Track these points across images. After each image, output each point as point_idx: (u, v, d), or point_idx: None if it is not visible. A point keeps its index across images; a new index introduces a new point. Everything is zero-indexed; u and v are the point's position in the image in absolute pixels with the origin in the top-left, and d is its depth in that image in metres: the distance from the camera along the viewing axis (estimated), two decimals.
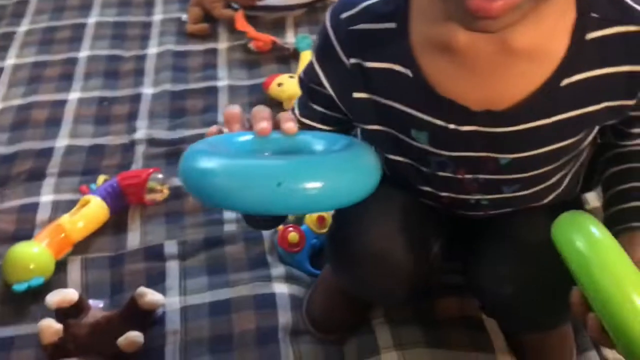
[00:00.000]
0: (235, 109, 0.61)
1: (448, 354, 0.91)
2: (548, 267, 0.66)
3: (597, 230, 0.58)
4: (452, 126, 0.67)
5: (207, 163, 0.53)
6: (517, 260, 0.72)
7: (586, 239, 0.57)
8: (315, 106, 0.75)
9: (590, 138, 0.71)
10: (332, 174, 0.52)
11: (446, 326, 0.94)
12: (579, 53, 0.62)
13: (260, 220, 0.73)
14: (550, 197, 0.78)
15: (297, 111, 0.78)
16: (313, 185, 0.50)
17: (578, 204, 0.85)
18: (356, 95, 0.69)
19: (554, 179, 0.75)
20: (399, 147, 0.72)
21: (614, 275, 0.54)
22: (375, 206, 0.76)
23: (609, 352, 0.91)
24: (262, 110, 0.59)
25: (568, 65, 0.63)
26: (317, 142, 0.60)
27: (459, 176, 0.72)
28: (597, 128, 0.70)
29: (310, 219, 1.07)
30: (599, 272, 0.54)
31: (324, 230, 1.06)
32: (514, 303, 0.76)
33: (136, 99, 1.38)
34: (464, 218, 0.81)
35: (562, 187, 0.78)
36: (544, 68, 0.63)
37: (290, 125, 0.58)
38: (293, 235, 1.05)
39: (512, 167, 0.70)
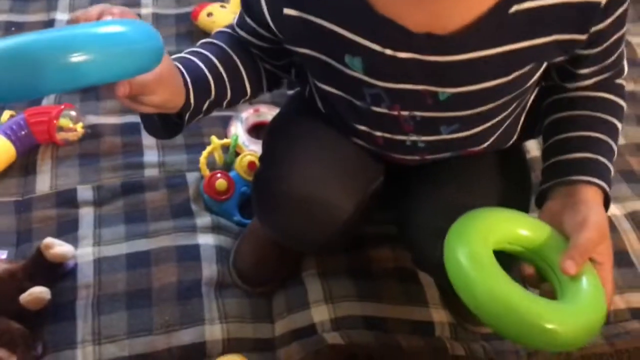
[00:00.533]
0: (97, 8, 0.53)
1: (380, 307, 0.88)
2: None
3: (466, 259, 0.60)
4: (388, 51, 0.61)
5: None
6: (451, 214, 0.68)
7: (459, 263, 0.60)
8: (248, 20, 0.69)
9: (535, 77, 0.67)
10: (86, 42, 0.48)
11: (379, 278, 0.91)
12: None
13: (156, 123, 0.66)
14: (490, 141, 0.74)
15: (235, 19, 0.72)
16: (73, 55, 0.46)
17: (518, 153, 0.82)
18: (287, 11, 0.63)
19: (494, 120, 0.70)
20: (331, 75, 0.67)
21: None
22: (305, 145, 0.72)
23: None
24: (89, 11, 0.53)
25: None
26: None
27: (394, 112, 0.67)
28: (544, 65, 0.65)
29: (241, 165, 1.00)
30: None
31: None
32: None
33: (49, 25, 1.24)
34: (399, 164, 0.76)
35: (501, 130, 0.73)
36: None
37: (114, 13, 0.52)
38: (221, 182, 0.98)
39: (452, 103, 0.65)
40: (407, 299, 0.89)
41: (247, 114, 1.09)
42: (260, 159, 0.78)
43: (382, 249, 0.93)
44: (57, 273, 0.87)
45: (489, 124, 0.71)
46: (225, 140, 1.04)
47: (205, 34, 1.20)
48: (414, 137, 0.71)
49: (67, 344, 0.82)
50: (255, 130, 1.09)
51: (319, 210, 0.72)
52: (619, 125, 0.69)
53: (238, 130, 1.06)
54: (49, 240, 0.85)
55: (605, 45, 0.64)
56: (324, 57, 0.65)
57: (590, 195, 0.64)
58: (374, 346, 0.84)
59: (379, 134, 0.72)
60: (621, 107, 0.70)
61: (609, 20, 0.61)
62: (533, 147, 1.05)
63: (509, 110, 0.71)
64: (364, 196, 0.75)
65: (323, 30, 0.62)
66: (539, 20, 0.59)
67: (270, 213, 0.77)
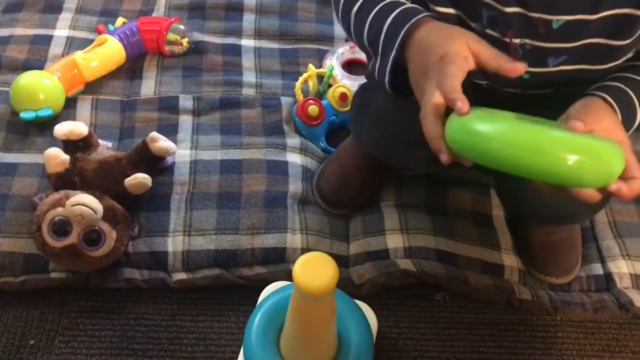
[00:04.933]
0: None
1: (452, 244, 0.91)
2: None
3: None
4: None
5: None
6: None
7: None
8: None
9: None
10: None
11: (455, 218, 0.94)
12: None
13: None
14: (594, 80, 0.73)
15: None
16: None
17: None
18: None
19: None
20: None
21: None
22: None
23: (612, 266, 0.91)
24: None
25: None
26: None
27: (506, 39, 0.69)
28: None
29: (333, 95, 1.03)
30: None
31: (345, 109, 1.03)
32: (536, 199, 0.74)
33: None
34: (499, 99, 0.78)
35: (607, 73, 0.72)
36: None
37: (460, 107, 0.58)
38: (313, 108, 1.02)
39: (564, 32, 0.66)
40: (481, 240, 0.92)
41: (343, 50, 1.12)
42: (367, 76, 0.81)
43: (461, 191, 0.96)
44: (157, 166, 0.93)
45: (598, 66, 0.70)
46: (321, 70, 1.08)
47: None
48: None
49: (160, 231, 0.88)
50: (349, 66, 1.12)
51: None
52: None
53: (333, 63, 1.09)
54: (155, 134, 0.91)
55: None
56: None
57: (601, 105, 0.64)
58: (443, 277, 0.88)
59: None
60: None
61: None
62: None
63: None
64: None
65: None
66: None
67: (371, 124, 0.79)
